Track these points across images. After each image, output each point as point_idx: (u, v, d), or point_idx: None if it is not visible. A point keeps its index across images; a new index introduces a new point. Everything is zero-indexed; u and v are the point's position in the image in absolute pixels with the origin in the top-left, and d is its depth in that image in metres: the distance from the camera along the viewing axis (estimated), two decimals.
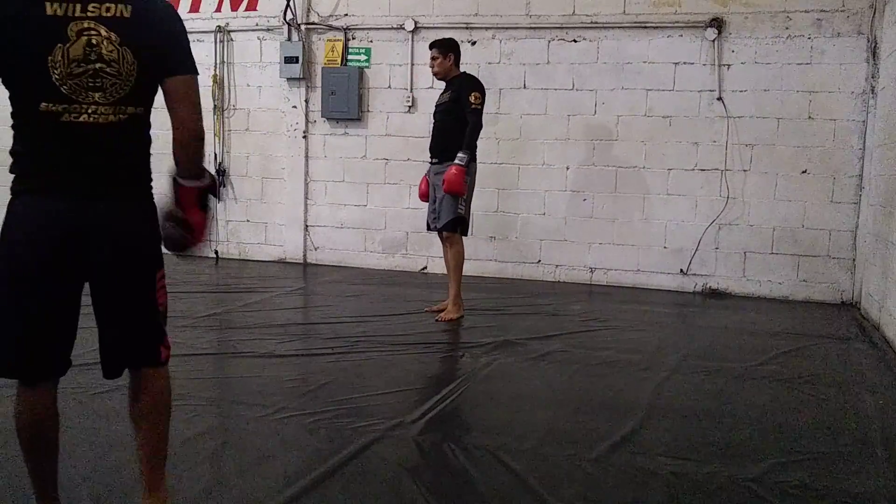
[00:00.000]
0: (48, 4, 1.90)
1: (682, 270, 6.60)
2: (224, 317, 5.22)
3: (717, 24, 6.31)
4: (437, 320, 5.14)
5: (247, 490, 2.50)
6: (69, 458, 2.71)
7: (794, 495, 2.60)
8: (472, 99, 4.98)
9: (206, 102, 7.61)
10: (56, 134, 1.95)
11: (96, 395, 3.35)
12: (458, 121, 5.03)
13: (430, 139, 5.39)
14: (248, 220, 7.80)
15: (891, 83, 5.47)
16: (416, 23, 7.05)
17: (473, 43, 6.96)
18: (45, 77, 1.91)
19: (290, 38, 7.39)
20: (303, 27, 7.37)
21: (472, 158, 5.08)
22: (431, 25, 7.00)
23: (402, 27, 7.09)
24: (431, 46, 5.31)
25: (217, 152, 7.68)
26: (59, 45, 1.90)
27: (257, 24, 7.57)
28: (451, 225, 5.15)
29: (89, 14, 1.92)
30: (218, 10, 7.66)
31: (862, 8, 6.03)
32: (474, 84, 5.14)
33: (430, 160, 5.33)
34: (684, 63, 6.46)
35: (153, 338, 2.14)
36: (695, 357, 4.39)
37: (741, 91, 6.34)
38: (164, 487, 2.19)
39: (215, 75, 7.59)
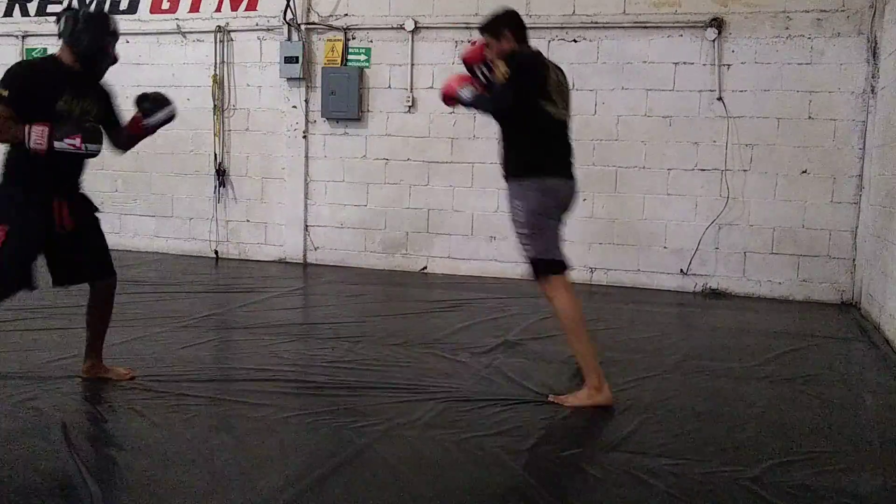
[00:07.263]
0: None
1: (682, 270, 6.60)
2: (224, 317, 5.22)
3: (717, 24, 6.31)
4: (561, 403, 3.50)
5: (247, 490, 2.50)
6: (71, 457, 2.71)
7: (794, 495, 2.60)
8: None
9: (206, 102, 7.63)
10: None
11: (97, 394, 3.35)
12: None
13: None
14: (248, 220, 7.80)
15: (891, 83, 5.47)
16: (416, 23, 7.05)
17: (473, 43, 6.94)
18: None
19: (290, 38, 7.39)
20: (303, 27, 7.37)
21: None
22: (431, 25, 7.00)
23: (402, 27, 7.09)
24: (482, 31, 3.86)
25: (217, 152, 7.69)
26: None
27: (257, 24, 7.57)
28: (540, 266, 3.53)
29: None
30: (218, 10, 7.66)
31: (862, 8, 6.03)
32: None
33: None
34: (684, 63, 6.46)
35: None
36: (695, 357, 4.40)
37: (741, 91, 6.34)
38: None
39: (215, 75, 7.59)
